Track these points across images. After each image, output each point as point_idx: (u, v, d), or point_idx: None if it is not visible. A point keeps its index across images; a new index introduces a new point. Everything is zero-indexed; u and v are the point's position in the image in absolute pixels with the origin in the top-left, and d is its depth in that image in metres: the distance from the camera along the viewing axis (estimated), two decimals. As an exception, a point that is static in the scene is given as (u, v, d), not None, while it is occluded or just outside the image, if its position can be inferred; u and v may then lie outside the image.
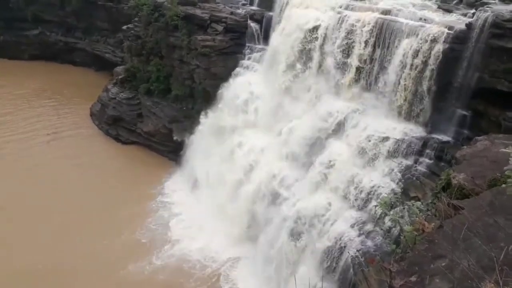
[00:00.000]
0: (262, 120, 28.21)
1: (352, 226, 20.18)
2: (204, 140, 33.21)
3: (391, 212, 7.45)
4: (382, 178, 20.31)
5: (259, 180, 26.53)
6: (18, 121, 43.76)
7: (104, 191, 33.51)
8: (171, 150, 38.34)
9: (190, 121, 36.63)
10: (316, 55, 25.43)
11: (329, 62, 24.41)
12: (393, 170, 20.14)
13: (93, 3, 55.38)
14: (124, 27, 43.17)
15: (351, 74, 23.04)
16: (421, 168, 20.02)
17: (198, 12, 35.16)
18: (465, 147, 8.40)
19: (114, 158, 39.35)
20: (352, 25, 23.01)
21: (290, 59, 26.35)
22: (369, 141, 21.17)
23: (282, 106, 26.69)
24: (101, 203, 31.87)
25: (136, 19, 41.16)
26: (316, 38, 25.28)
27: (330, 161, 22.38)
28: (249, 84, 30.97)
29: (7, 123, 43.03)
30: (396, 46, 21.24)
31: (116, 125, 42.20)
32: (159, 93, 39.04)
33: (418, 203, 6.38)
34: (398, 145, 20.43)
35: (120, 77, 42.88)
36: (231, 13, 34.45)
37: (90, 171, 36.08)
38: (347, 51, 23.40)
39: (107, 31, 56.94)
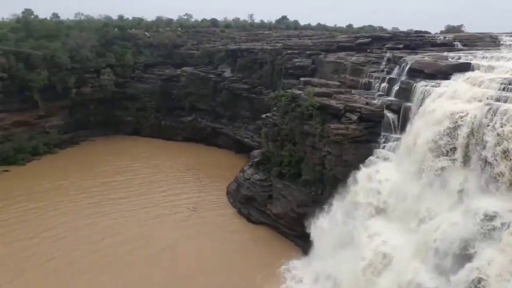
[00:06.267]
0: (397, 213, 26.32)
1: None
2: (332, 228, 32.23)
3: None
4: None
5: (390, 282, 24.04)
6: (166, 190, 50.64)
7: (228, 268, 34.39)
8: (298, 235, 38.07)
9: (318, 207, 36.40)
10: (461, 148, 23.50)
11: (477, 155, 22.22)
12: None
13: (238, 95, 63.03)
14: (263, 115, 47.23)
15: (507, 170, 20.38)
16: None
17: (333, 102, 36.52)
18: None
19: (242, 236, 40.67)
20: (507, 117, 20.90)
21: (430, 150, 24.83)
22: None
23: (420, 199, 24.65)
24: (222, 281, 32.49)
25: (275, 108, 44.80)
26: (461, 130, 23.55)
27: (480, 270, 19.21)
28: (382, 173, 29.84)
29: (158, 186, 50.91)
30: None
31: (248, 204, 44.32)
32: (290, 177, 40.21)
33: None
34: None
35: (255, 159, 45.91)
36: (367, 103, 34.86)
37: (217, 246, 37.88)
38: (499, 145, 21.06)
39: (248, 119, 63.22)
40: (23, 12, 74.59)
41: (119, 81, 72.75)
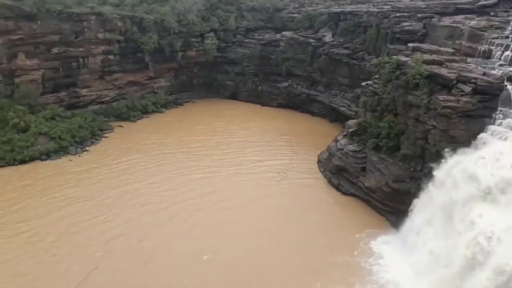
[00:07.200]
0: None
1: None
2: (430, 208, 29.96)
3: None
4: None
5: (497, 266, 21.79)
6: (259, 152, 52.37)
7: (303, 230, 35.13)
8: (390, 211, 36.38)
9: (416, 184, 34.06)
10: None
11: None
12: None
13: (338, 61, 60.39)
14: (363, 83, 44.80)
15: None
16: None
17: (443, 71, 33.09)
18: None
19: (331, 206, 40.25)
20: None
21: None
22: None
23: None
24: (291, 241, 33.33)
25: (377, 76, 42.09)
26: None
27: None
28: (497, 153, 26.50)
29: (251, 147, 53.33)
30: None
31: (339, 175, 43.33)
32: (387, 150, 38.08)
33: None
34: None
35: (351, 130, 44.24)
36: (484, 73, 30.89)
37: (302, 213, 38.02)
38: None
39: (346, 86, 60.67)
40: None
41: (221, 45, 74.75)
